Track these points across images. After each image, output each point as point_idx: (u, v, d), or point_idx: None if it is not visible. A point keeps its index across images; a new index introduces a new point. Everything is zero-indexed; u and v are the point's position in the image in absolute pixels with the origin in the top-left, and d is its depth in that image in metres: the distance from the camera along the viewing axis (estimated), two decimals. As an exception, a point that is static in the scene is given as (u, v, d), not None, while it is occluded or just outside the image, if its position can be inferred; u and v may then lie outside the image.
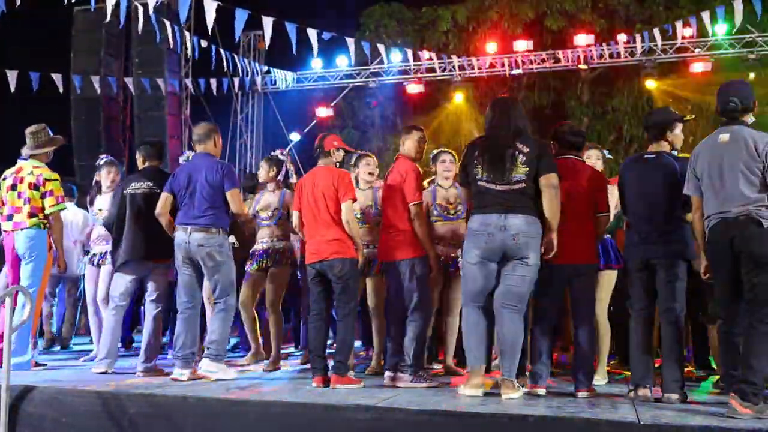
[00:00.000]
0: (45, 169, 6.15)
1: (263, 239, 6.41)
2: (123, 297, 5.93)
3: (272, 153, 6.82)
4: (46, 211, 6.07)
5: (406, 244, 5.22)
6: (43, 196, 6.07)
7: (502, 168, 4.62)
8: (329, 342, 5.83)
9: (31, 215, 6.06)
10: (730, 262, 4.26)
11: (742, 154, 4.22)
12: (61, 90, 13.59)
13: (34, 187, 6.06)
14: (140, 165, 6.18)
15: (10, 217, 6.13)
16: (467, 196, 4.95)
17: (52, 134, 6.32)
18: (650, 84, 15.93)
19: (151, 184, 5.86)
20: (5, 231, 6.24)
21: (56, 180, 6.15)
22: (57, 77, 13.61)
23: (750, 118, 4.40)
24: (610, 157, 6.47)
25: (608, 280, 5.59)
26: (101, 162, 7.07)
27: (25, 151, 6.25)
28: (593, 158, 5.77)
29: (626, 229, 4.90)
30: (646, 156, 4.86)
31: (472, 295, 4.72)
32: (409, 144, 5.47)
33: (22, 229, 6.05)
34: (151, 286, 5.90)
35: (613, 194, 5.29)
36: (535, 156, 4.61)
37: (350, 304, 5.22)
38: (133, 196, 5.86)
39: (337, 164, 5.52)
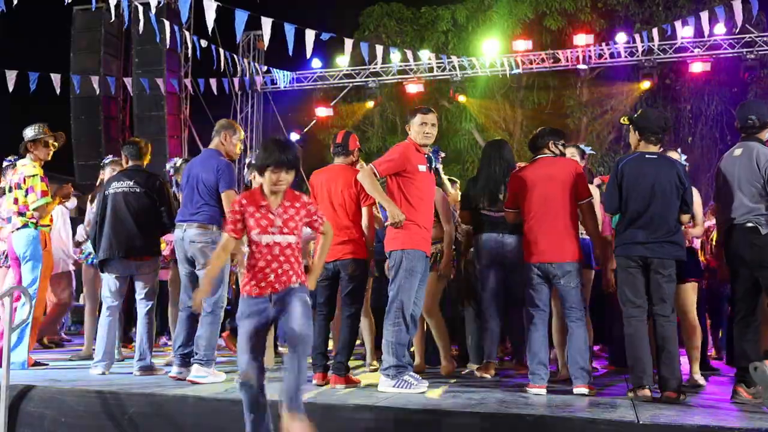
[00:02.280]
0: (27, 166, 6.14)
1: None
2: (114, 297, 5.91)
3: (246, 159, 6.80)
4: (30, 208, 6.06)
5: (392, 236, 5.03)
6: (26, 194, 6.07)
7: (497, 199, 5.79)
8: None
9: (20, 214, 6.08)
10: (739, 264, 4.69)
11: (749, 168, 4.68)
12: (58, 90, 13.58)
13: (18, 186, 6.09)
14: (124, 165, 6.19)
15: (9, 219, 6.19)
16: (467, 219, 6.04)
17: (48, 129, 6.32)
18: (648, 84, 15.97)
19: (131, 183, 5.87)
20: (7, 234, 6.31)
21: (35, 175, 6.10)
22: (56, 77, 13.61)
23: (766, 134, 4.83)
24: (593, 152, 6.54)
25: (587, 280, 5.70)
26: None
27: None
28: (567, 155, 5.77)
29: (622, 226, 4.83)
30: (647, 155, 4.81)
31: (490, 298, 5.81)
32: (413, 129, 5.14)
33: (17, 229, 6.08)
34: (139, 285, 5.89)
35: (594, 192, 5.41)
36: None
37: (355, 305, 5.21)
38: (114, 196, 5.87)
39: (356, 164, 5.49)
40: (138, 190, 5.82)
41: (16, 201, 6.08)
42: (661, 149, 4.96)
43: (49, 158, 6.33)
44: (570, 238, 4.98)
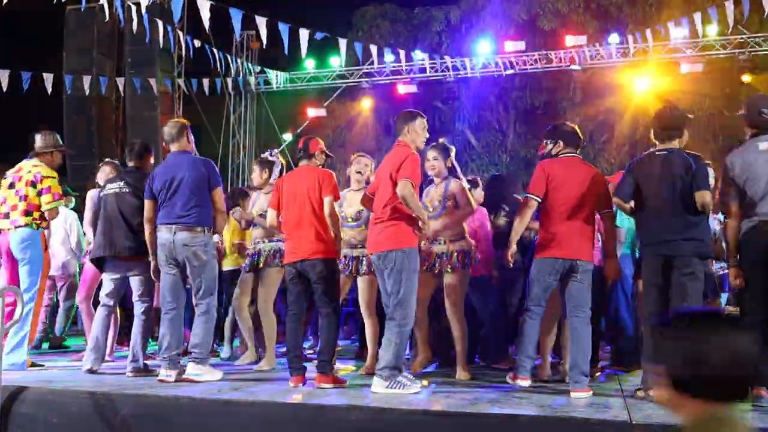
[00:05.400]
0: (43, 167, 6.17)
1: (257, 240, 6.43)
2: (109, 297, 5.93)
3: (263, 155, 6.80)
4: (43, 208, 6.07)
5: (393, 234, 4.92)
6: (39, 193, 6.08)
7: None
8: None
9: (26, 213, 6.05)
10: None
11: None
12: (49, 90, 13.56)
13: (32, 184, 6.08)
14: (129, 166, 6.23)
15: (6, 215, 6.13)
16: None
17: (60, 141, 6.43)
18: (641, 85, 16.01)
19: (121, 184, 5.89)
20: (2, 229, 6.23)
21: (54, 177, 6.16)
22: (49, 77, 13.57)
23: None
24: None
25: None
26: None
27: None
28: None
29: (641, 226, 4.84)
30: (658, 152, 4.76)
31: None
32: (414, 131, 5.10)
33: (16, 227, 6.05)
34: (134, 285, 5.88)
35: None
36: None
37: (332, 304, 5.20)
38: (106, 197, 5.92)
39: (320, 167, 5.50)
40: (127, 190, 5.83)
41: (24, 198, 6.06)
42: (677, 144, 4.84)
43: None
44: (590, 240, 4.99)
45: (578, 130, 5.28)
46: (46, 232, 6.24)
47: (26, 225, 6.04)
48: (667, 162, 4.68)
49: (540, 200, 5.07)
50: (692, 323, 1.72)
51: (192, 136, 5.68)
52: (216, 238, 6.05)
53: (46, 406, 4.63)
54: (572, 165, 5.10)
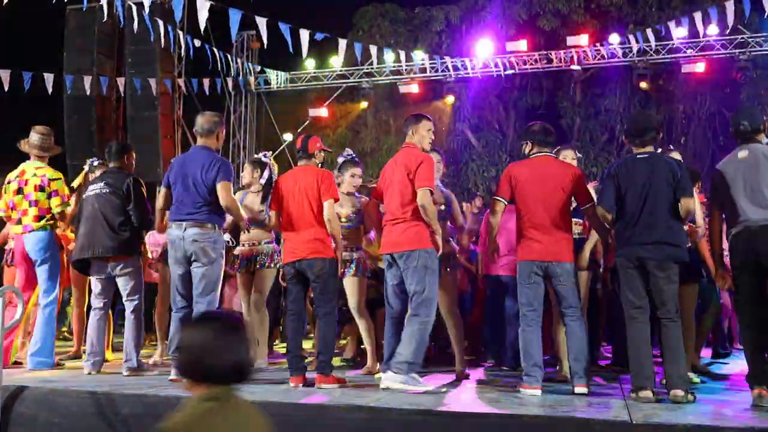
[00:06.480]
0: (48, 169, 6.18)
1: (252, 242, 6.42)
2: (99, 299, 5.94)
3: (256, 155, 6.81)
4: (53, 211, 6.10)
5: (416, 234, 5.00)
6: (48, 197, 6.09)
7: None
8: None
9: (39, 218, 6.08)
10: (754, 266, 4.50)
11: (762, 168, 4.54)
12: (50, 90, 13.55)
13: (40, 188, 6.10)
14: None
15: (19, 221, 6.15)
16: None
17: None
18: (642, 85, 16.01)
19: (102, 185, 5.90)
20: (15, 234, 6.27)
21: (60, 179, 6.19)
22: (49, 77, 13.58)
23: (763, 138, 4.71)
24: (580, 156, 6.55)
25: (583, 281, 5.69)
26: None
27: (25, 146, 6.23)
28: (569, 158, 5.80)
29: (617, 228, 4.82)
30: (639, 156, 4.76)
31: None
32: (419, 134, 5.25)
33: (30, 231, 6.06)
34: (120, 284, 5.88)
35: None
36: None
37: (330, 303, 5.21)
38: (88, 198, 5.93)
39: (319, 165, 5.52)
40: (107, 191, 5.84)
41: (35, 203, 6.06)
42: (660, 150, 4.92)
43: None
44: (567, 238, 4.99)
45: (549, 128, 5.25)
46: (58, 231, 6.27)
47: (41, 228, 6.07)
48: (651, 166, 4.69)
49: (506, 202, 5.15)
50: (188, 321, 2.18)
51: (223, 134, 5.62)
52: (226, 236, 6.03)
53: (47, 406, 4.63)
54: (542, 165, 5.11)
